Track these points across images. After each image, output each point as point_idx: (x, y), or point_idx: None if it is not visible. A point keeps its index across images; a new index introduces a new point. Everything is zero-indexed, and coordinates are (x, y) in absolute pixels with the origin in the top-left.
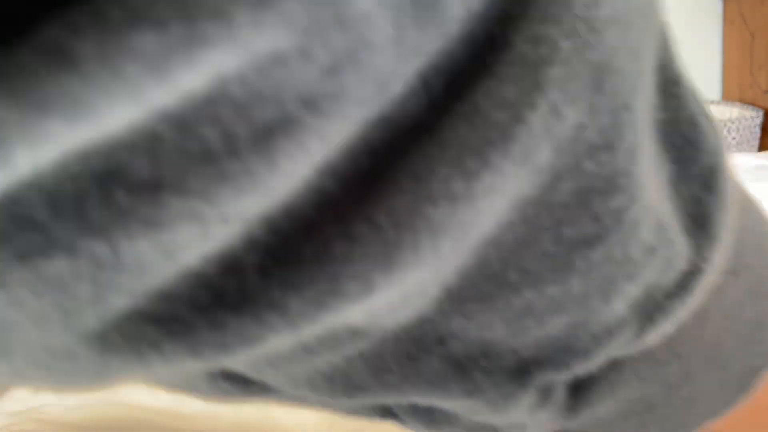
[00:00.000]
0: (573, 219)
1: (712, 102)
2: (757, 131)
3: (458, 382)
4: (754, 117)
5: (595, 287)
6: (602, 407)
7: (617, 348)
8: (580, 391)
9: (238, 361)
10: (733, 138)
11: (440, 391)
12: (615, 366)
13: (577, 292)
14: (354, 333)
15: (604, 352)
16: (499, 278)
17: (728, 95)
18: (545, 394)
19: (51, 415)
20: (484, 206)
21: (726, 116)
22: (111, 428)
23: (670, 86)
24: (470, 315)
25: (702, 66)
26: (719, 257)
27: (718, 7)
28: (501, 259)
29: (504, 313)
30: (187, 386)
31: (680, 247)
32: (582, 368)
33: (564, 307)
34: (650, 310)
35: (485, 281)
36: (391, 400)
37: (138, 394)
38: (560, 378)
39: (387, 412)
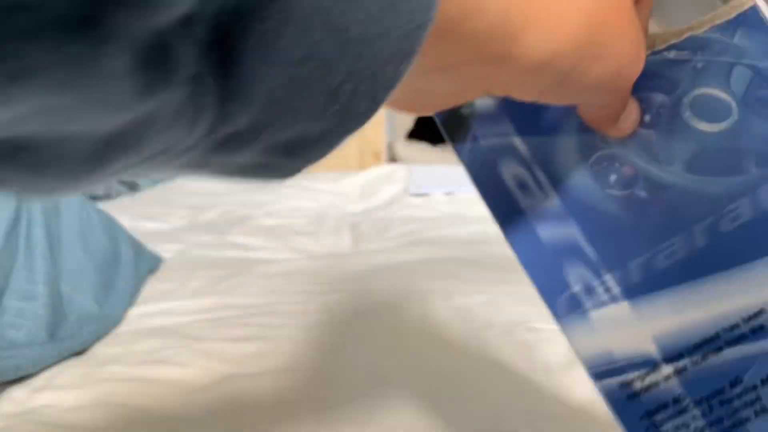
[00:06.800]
0: None
1: None
2: None
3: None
4: None
5: None
6: (263, 79)
7: None
8: (226, 58)
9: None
10: None
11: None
12: (257, 10)
13: None
14: None
15: None
16: None
17: None
18: (161, 60)
19: (48, 416)
20: None
21: None
22: (107, 430)
23: None
24: None
25: None
26: None
27: None
28: None
29: None
30: None
31: None
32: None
33: None
34: None
35: None
36: None
37: (135, 396)
38: (170, 27)
39: None
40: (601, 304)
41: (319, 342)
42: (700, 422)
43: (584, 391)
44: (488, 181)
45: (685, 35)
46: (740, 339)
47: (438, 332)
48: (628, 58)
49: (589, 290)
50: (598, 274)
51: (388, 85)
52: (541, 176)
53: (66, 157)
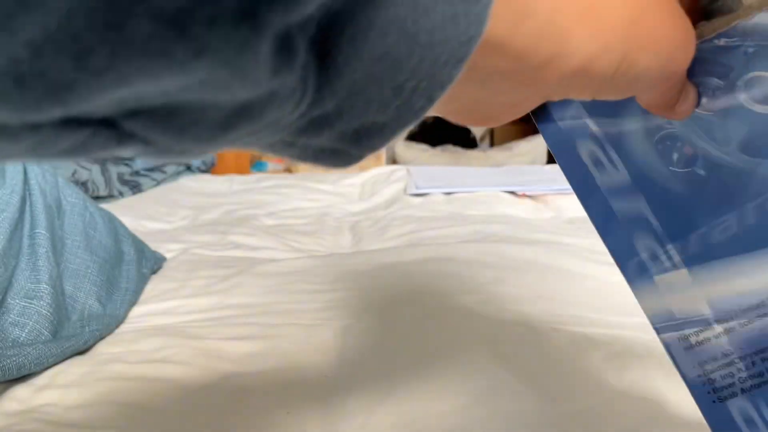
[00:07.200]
0: None
1: None
2: None
3: (180, 42)
4: None
5: None
6: (350, 72)
7: None
8: (324, 52)
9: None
10: None
11: (164, 61)
12: (350, 16)
13: None
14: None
15: None
16: None
17: None
18: (287, 49)
19: (51, 415)
20: None
21: None
22: (110, 428)
23: None
24: None
25: None
26: None
27: None
28: None
29: None
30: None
31: None
32: (313, 5)
33: None
34: None
35: None
36: (108, 98)
37: (137, 395)
38: (296, 24)
39: (116, 132)
40: (664, 270)
41: (319, 341)
42: (744, 374)
43: (586, 388)
44: (568, 159)
45: (733, 23)
46: None
47: (438, 331)
48: (675, 44)
49: (654, 258)
50: (662, 244)
51: (442, 86)
52: (613, 154)
53: (204, 122)
